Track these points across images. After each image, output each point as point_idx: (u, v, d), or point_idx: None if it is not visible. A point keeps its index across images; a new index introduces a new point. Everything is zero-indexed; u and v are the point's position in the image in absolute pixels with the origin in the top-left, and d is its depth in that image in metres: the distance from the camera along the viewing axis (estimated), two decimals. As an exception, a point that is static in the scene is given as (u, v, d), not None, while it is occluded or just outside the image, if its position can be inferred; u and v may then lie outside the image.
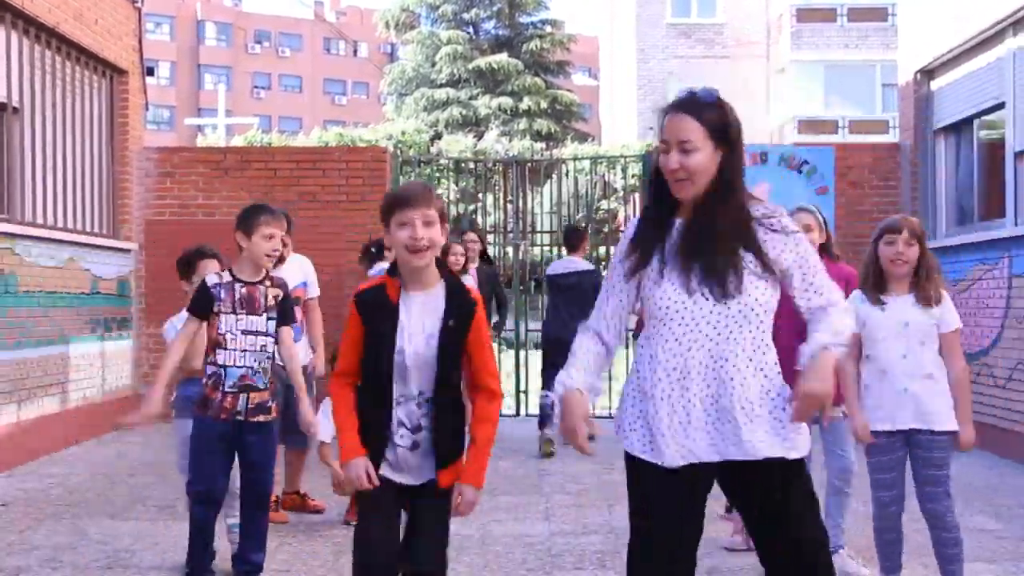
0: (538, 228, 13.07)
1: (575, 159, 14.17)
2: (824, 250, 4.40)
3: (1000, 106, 7.96)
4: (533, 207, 14.97)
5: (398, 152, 13.54)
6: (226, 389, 3.99)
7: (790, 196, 8.57)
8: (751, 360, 2.46)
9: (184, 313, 4.27)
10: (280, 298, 4.14)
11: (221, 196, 9.25)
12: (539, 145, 23.62)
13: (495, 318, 8.33)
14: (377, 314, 2.81)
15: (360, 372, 2.88)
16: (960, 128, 8.91)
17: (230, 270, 4.10)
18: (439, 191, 17.00)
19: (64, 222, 8.14)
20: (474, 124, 29.19)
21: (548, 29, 32.94)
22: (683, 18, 28.12)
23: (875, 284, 3.88)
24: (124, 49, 9.17)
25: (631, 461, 2.57)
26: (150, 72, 45.88)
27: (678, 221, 2.53)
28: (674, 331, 2.48)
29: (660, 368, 2.49)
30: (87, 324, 8.21)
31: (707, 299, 2.45)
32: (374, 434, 2.83)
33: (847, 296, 4.18)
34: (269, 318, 4.07)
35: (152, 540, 4.95)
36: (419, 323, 2.81)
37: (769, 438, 2.45)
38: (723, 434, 2.46)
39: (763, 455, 2.44)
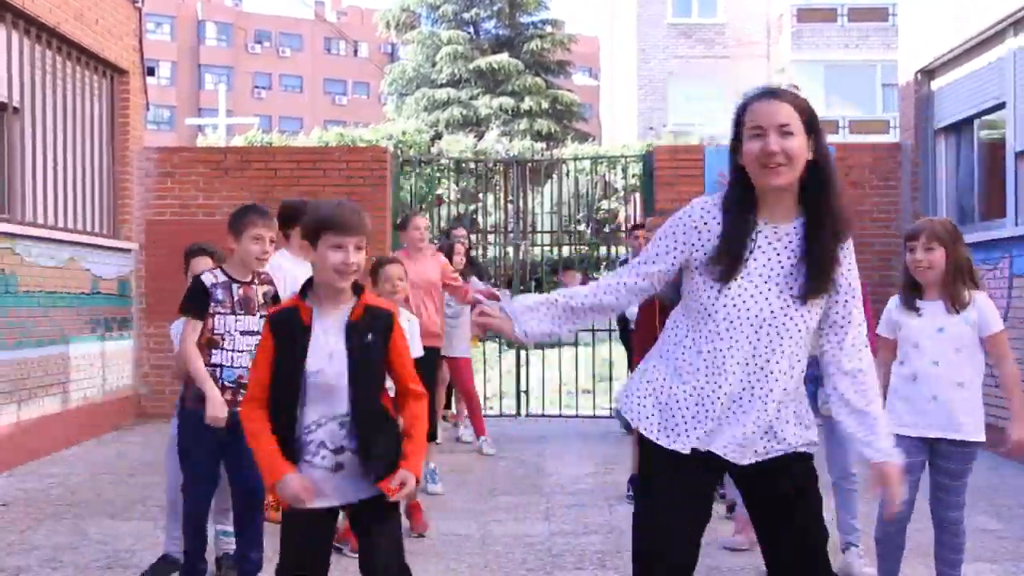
0: (538, 228, 13.08)
1: (575, 159, 14.18)
2: None
3: (1001, 106, 7.96)
4: (533, 207, 14.97)
5: (398, 152, 13.55)
6: (225, 383, 3.92)
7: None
8: (790, 365, 2.50)
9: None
10: (271, 295, 4.10)
11: (221, 196, 9.26)
12: (539, 145, 23.62)
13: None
14: (290, 335, 2.81)
15: (269, 394, 2.84)
16: (960, 128, 8.91)
17: (222, 269, 4.04)
18: (440, 191, 17.05)
19: (64, 222, 8.14)
20: (475, 124, 29.18)
21: (548, 29, 32.90)
22: (684, 18, 28.12)
23: (910, 290, 3.79)
24: (125, 49, 9.17)
25: (645, 442, 2.59)
26: (151, 72, 45.80)
27: (763, 222, 2.49)
28: (718, 325, 2.48)
29: (700, 358, 2.50)
30: (87, 324, 8.21)
31: (786, 304, 2.47)
32: (287, 458, 2.78)
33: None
34: (262, 316, 3.98)
35: (152, 540, 4.94)
36: (338, 343, 2.81)
37: (797, 430, 2.54)
38: (753, 428, 2.49)
39: (793, 447, 2.52)
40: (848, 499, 4.47)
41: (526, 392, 9.76)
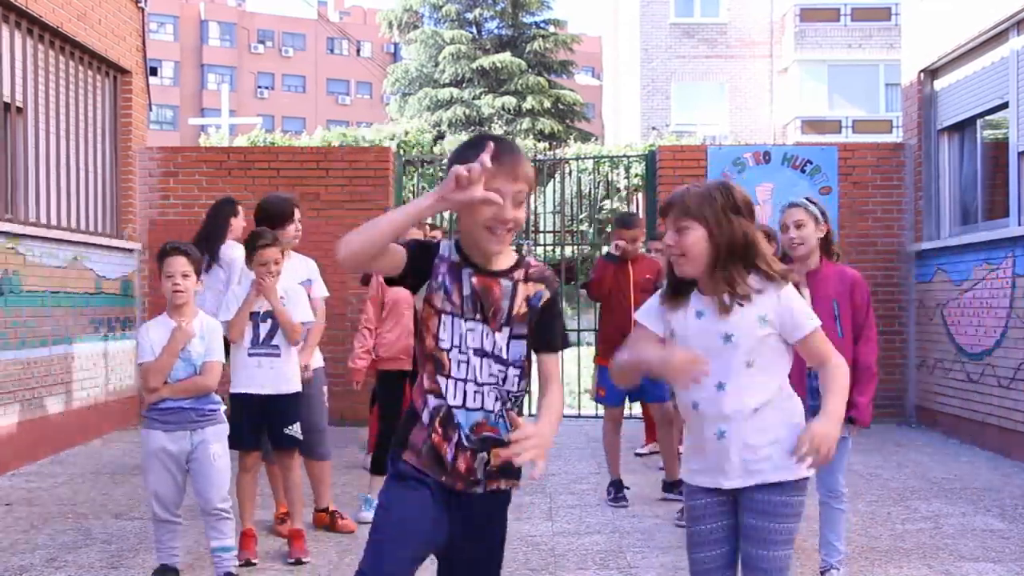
0: (541, 228, 13.09)
1: (578, 159, 14.18)
2: (823, 248, 4.14)
3: (1004, 106, 7.96)
4: (536, 207, 14.97)
5: (401, 152, 13.56)
6: (464, 442, 2.37)
7: (793, 196, 8.57)
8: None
9: (163, 317, 4.07)
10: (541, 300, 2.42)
11: (224, 196, 9.26)
12: (542, 145, 23.62)
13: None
14: None
15: None
16: (964, 128, 8.90)
17: (457, 243, 2.38)
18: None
19: (68, 222, 8.15)
20: (477, 124, 29.20)
21: (551, 29, 32.95)
22: (686, 18, 28.10)
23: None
24: (128, 49, 9.17)
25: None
26: (153, 72, 45.84)
27: None
28: None
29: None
30: (91, 324, 8.22)
31: None
32: None
33: (865, 302, 4.08)
34: (511, 334, 2.40)
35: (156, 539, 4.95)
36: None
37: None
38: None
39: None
40: (834, 518, 4.19)
41: (527, 392, 9.74)
